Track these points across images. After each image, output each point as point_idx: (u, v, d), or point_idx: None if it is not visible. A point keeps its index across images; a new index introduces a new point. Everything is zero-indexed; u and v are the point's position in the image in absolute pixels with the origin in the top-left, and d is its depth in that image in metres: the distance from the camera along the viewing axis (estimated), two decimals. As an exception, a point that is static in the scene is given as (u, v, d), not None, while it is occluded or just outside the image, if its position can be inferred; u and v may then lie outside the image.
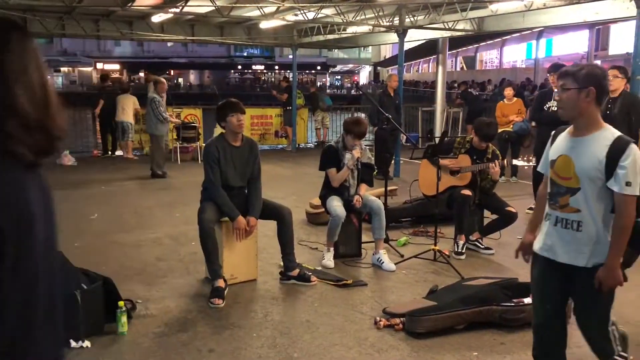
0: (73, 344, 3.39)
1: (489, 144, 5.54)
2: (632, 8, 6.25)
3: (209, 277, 4.39)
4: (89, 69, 52.07)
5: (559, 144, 2.60)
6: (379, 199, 5.38)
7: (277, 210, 4.58)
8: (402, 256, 5.22)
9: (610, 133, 2.44)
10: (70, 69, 53.11)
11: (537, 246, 2.66)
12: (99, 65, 50.79)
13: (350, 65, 57.51)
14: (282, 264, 4.69)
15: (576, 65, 2.51)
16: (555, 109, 6.43)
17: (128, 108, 11.38)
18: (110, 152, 11.99)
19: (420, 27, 10.08)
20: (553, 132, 2.69)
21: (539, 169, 2.82)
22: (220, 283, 4.21)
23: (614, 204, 2.43)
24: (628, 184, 2.34)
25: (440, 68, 13.06)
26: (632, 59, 6.06)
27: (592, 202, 2.45)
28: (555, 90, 6.49)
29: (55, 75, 51.98)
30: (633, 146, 2.36)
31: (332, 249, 5.08)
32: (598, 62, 29.87)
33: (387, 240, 5.31)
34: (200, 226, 4.23)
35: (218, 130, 12.59)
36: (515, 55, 38.37)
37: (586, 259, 2.46)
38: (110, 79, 12.82)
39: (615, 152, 2.37)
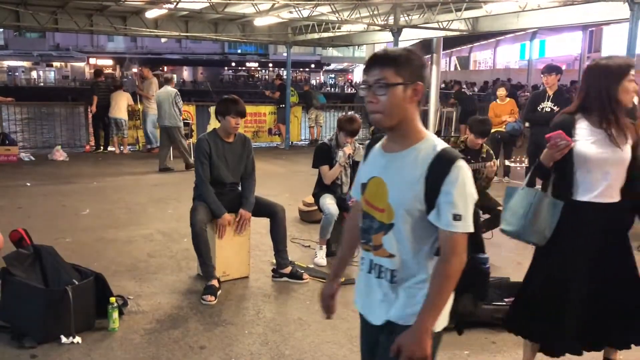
0: (64, 339, 3.38)
1: (482, 143, 5.56)
2: (625, 10, 6.28)
3: (201, 274, 4.39)
4: (82, 64, 51.77)
5: (371, 161, 1.91)
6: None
7: (270, 208, 4.58)
8: (394, 255, 5.22)
9: (431, 145, 1.75)
10: (62, 63, 52.77)
11: (355, 298, 2.00)
12: (92, 61, 50.51)
13: (345, 64, 57.52)
14: (274, 261, 4.69)
15: (394, 51, 1.76)
16: (549, 109, 6.48)
17: (122, 104, 11.42)
18: (102, 148, 11.93)
19: (415, 26, 10.09)
20: (368, 142, 2.00)
21: (351, 192, 2.07)
22: (214, 283, 4.21)
23: None
24: (456, 217, 1.68)
25: (434, 68, 13.08)
26: (625, 61, 6.08)
27: (409, 243, 1.76)
28: (548, 91, 6.55)
29: (47, 70, 51.69)
30: (460, 164, 1.70)
31: (324, 246, 5.08)
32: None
33: (379, 239, 5.30)
34: (193, 228, 4.23)
35: (211, 127, 12.60)
36: (508, 56, 38.59)
37: (409, 322, 1.76)
38: (104, 75, 12.76)
39: (437, 173, 1.69)
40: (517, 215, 2.85)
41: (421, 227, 1.75)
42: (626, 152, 2.67)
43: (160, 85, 10.40)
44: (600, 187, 2.68)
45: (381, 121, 1.76)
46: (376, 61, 1.75)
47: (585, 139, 2.67)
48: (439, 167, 1.70)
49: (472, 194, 1.72)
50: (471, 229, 1.72)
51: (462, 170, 1.69)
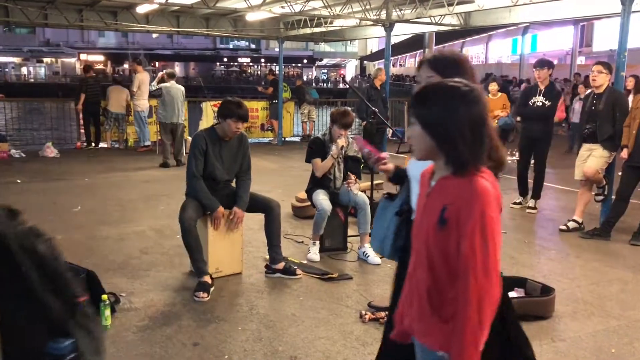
0: (55, 337, 3.36)
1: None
2: (617, 4, 6.29)
3: (194, 271, 4.37)
4: (73, 60, 51.44)
5: None
6: (365, 192, 5.38)
7: (265, 203, 4.55)
8: (387, 250, 5.22)
9: None
10: (53, 59, 52.42)
11: None
12: (83, 56, 50.21)
13: (337, 59, 57.51)
14: (267, 257, 4.68)
15: None
16: (541, 104, 6.51)
17: (122, 100, 11.47)
18: (93, 144, 11.85)
19: (407, 21, 10.08)
20: None
21: None
22: (207, 279, 4.19)
23: None
24: None
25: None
26: (616, 55, 6.11)
27: None
28: (540, 85, 6.57)
29: (37, 66, 51.34)
30: None
31: (317, 242, 5.07)
32: (582, 58, 30.17)
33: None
34: (181, 224, 4.19)
35: (203, 123, 12.51)
36: (500, 50, 38.68)
37: None
38: (94, 70, 12.69)
39: None
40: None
41: None
42: None
43: (151, 80, 10.38)
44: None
45: None
46: None
47: None
48: None
49: None
50: None
51: None
